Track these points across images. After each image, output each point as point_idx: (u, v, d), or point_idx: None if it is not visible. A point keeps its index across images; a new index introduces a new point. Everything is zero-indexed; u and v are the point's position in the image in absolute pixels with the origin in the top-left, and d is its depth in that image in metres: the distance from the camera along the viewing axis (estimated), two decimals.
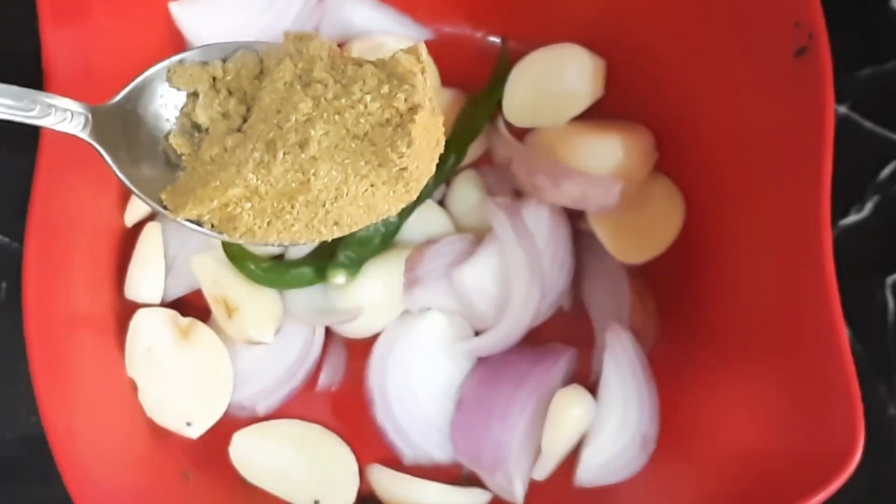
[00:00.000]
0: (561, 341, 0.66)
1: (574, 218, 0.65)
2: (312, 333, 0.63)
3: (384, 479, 0.62)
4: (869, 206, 0.71)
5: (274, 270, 0.62)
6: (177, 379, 0.59)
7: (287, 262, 0.63)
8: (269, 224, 0.49)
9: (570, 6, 0.66)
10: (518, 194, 0.65)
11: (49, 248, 0.53)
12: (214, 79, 0.53)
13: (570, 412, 0.60)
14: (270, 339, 0.60)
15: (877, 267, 0.71)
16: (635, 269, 0.65)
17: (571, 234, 0.64)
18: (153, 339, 0.60)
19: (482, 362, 0.63)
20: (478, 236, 0.63)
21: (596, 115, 0.65)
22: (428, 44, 0.67)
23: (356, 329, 0.63)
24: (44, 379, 0.51)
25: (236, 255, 0.61)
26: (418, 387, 0.62)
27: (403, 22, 0.68)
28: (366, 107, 0.48)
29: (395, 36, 0.66)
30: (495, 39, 0.70)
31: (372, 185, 0.48)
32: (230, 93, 0.52)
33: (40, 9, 0.54)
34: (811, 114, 0.52)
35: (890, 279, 0.70)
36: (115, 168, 0.49)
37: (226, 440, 0.63)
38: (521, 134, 0.67)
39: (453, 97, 0.66)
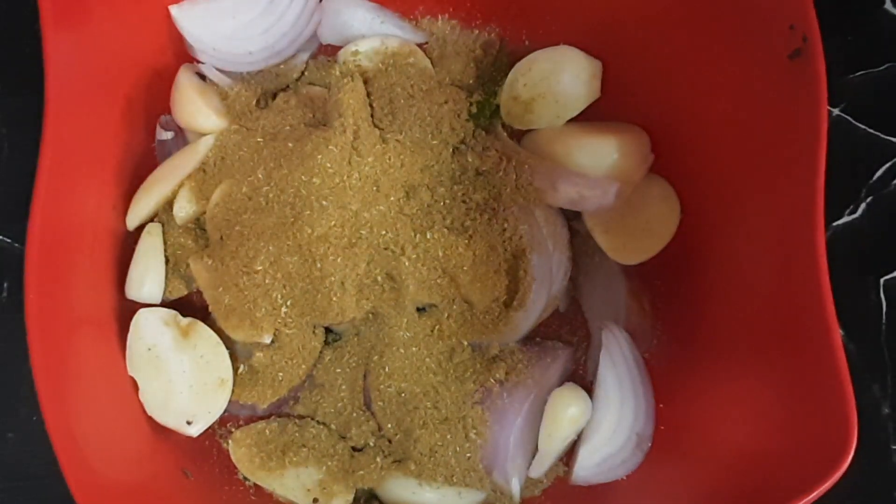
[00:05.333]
0: (557, 341, 0.66)
1: (570, 219, 0.66)
2: (312, 332, 0.63)
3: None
4: (862, 208, 0.72)
5: None
6: (177, 378, 0.60)
7: None
8: None
9: (567, 9, 0.66)
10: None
11: (50, 248, 0.53)
12: None
13: (567, 411, 0.60)
14: (269, 340, 0.60)
15: (870, 267, 0.71)
16: (631, 270, 0.66)
17: (569, 236, 0.65)
18: (154, 338, 0.60)
19: None
20: None
21: (592, 116, 0.66)
22: (425, 46, 0.68)
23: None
24: (45, 378, 0.51)
25: None
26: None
27: (401, 25, 0.68)
28: None
29: (393, 39, 0.66)
30: (492, 41, 0.70)
31: None
32: None
33: (42, 11, 0.54)
34: (805, 116, 0.52)
35: (883, 280, 0.71)
36: None
37: (226, 438, 0.64)
38: (518, 136, 0.67)
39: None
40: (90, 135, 0.59)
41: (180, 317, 0.61)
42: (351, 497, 0.62)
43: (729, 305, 0.59)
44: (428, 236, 0.60)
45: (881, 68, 0.74)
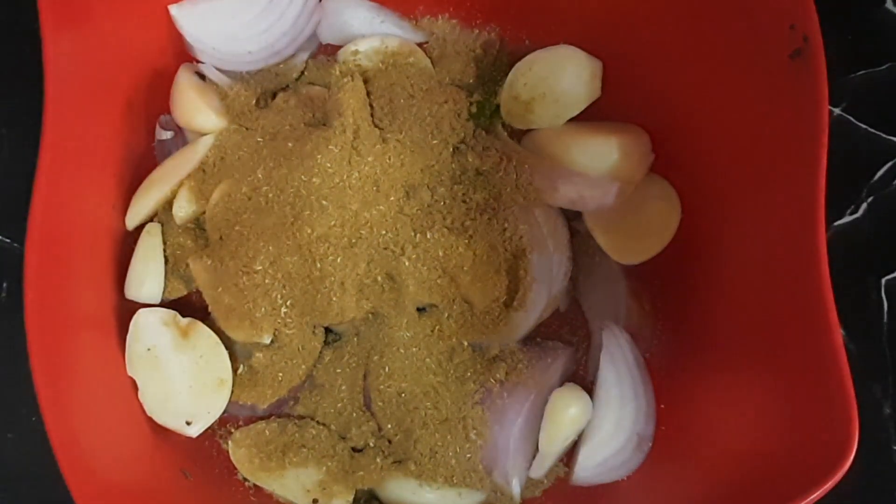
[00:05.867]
0: (558, 341, 0.66)
1: (571, 219, 0.65)
2: (312, 332, 0.63)
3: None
4: (863, 208, 0.72)
5: None
6: (176, 378, 0.60)
7: None
8: None
9: (568, 8, 0.66)
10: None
11: (50, 248, 0.53)
12: None
13: (567, 411, 0.60)
14: (268, 340, 0.60)
15: (871, 268, 0.71)
16: (632, 270, 0.66)
17: (569, 236, 0.65)
18: (153, 338, 0.60)
19: None
20: None
21: (592, 116, 0.66)
22: (425, 46, 0.68)
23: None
24: (45, 379, 0.51)
25: None
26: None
27: (401, 24, 0.68)
28: None
29: (393, 38, 0.66)
30: (493, 41, 0.70)
31: None
32: None
33: (41, 11, 0.54)
34: (806, 115, 0.52)
35: (884, 280, 0.71)
36: None
37: (225, 439, 0.63)
38: (518, 135, 0.67)
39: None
40: (90, 134, 0.59)
41: (180, 317, 0.61)
42: (351, 498, 0.62)
43: (729, 305, 0.59)
44: (428, 236, 0.60)
45: (882, 67, 0.74)
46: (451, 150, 0.63)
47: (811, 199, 0.51)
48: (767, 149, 0.56)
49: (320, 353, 0.63)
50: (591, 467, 0.61)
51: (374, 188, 0.60)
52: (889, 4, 0.75)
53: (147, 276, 0.62)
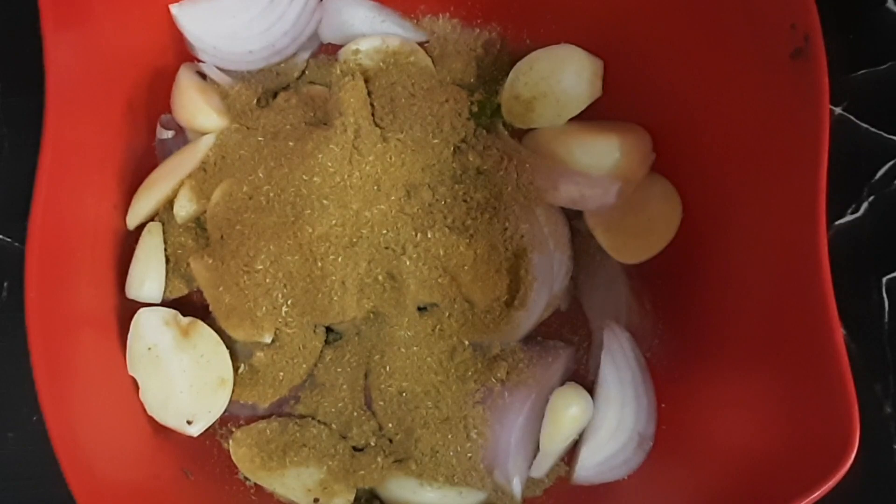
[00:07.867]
0: (559, 340, 0.66)
1: (571, 218, 0.65)
2: (313, 331, 0.63)
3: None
4: (864, 207, 0.72)
5: None
6: (177, 377, 0.60)
7: None
8: None
9: (569, 7, 0.66)
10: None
11: (51, 248, 0.53)
12: None
13: (568, 411, 0.60)
14: (269, 339, 0.60)
15: (872, 267, 0.71)
16: (633, 269, 0.66)
17: (570, 235, 0.65)
18: (154, 338, 0.60)
19: None
20: None
21: (594, 115, 0.66)
22: (426, 45, 0.68)
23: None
24: (46, 378, 0.51)
25: None
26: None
27: (402, 24, 0.68)
28: None
29: (394, 37, 0.66)
30: (494, 40, 0.70)
31: None
32: None
33: (42, 10, 0.54)
34: (807, 115, 0.52)
35: (885, 279, 0.71)
36: None
37: (226, 438, 0.63)
38: (519, 135, 0.67)
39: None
40: (90, 134, 0.59)
41: (181, 316, 0.61)
42: (352, 497, 0.62)
43: (731, 304, 0.59)
44: (429, 235, 0.60)
45: (883, 67, 0.74)
46: (452, 149, 0.63)
47: (812, 198, 0.51)
48: (768, 148, 0.56)
49: (321, 352, 0.63)
50: (593, 466, 0.61)
51: (375, 187, 0.60)
52: (890, 4, 0.75)
53: (148, 276, 0.62)
